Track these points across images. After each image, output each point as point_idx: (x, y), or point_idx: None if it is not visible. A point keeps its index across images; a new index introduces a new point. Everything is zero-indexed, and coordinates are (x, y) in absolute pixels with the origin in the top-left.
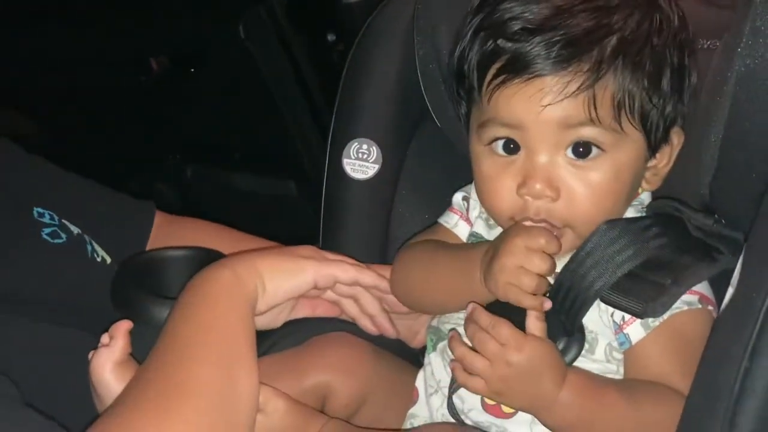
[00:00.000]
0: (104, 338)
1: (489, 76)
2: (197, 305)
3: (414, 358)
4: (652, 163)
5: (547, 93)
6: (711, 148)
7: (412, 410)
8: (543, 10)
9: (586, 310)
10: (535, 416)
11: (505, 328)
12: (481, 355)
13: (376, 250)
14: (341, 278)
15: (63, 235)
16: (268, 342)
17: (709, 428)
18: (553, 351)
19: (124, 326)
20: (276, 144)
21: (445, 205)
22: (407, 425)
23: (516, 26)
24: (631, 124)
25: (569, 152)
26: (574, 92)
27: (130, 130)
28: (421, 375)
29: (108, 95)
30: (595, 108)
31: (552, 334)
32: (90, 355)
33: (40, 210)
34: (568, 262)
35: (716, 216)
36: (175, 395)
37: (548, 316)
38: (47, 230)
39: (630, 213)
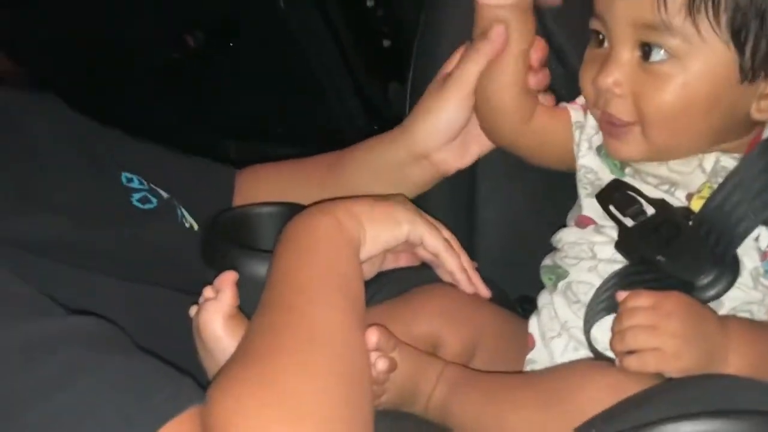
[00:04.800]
0: (208, 292)
1: None
2: (307, 251)
3: (512, 309)
4: None
5: None
6: None
7: (530, 356)
8: None
9: (739, 241)
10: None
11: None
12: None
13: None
14: (426, 243)
15: (153, 200)
16: (367, 293)
17: None
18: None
19: (230, 277)
20: (317, 116)
21: (531, 175)
22: (528, 370)
23: None
24: (715, 32)
25: (639, 51)
26: None
27: (170, 109)
28: (534, 321)
29: (145, 73)
30: (661, 12)
31: (698, 265)
32: (192, 311)
33: (128, 175)
34: (715, 192)
35: None
36: (309, 342)
37: (694, 245)
38: (137, 195)
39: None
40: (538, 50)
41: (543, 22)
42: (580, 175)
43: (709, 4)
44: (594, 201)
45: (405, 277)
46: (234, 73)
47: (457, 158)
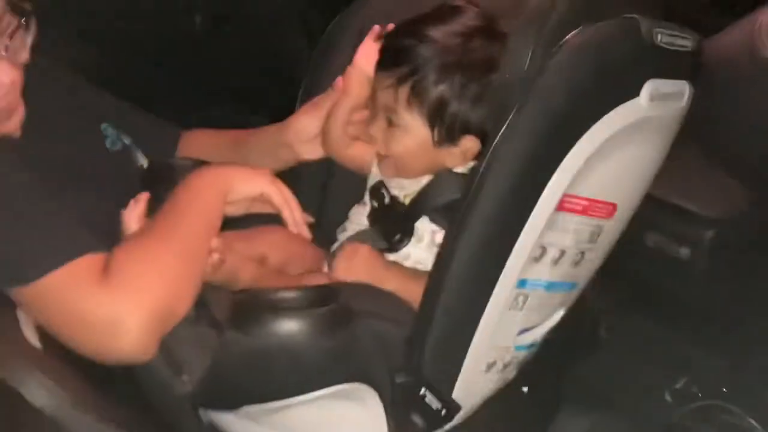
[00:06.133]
0: (131, 202)
1: None
2: (191, 189)
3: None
4: (456, 151)
5: (378, 82)
6: None
7: None
8: (405, 31)
9: (415, 220)
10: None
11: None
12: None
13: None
14: (273, 201)
15: (119, 143)
16: (233, 225)
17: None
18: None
19: (144, 196)
20: (287, 91)
21: None
22: None
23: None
24: (420, 119)
25: (386, 119)
26: (385, 87)
27: (173, 73)
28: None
29: (158, 43)
30: (395, 101)
31: (393, 231)
32: (122, 213)
33: (104, 126)
34: (415, 195)
35: None
36: (172, 234)
37: (395, 221)
38: (109, 140)
39: (460, 169)
40: (362, 113)
41: None
42: (370, 177)
43: (414, 102)
44: (368, 192)
45: (264, 218)
46: (227, 51)
47: (310, 152)
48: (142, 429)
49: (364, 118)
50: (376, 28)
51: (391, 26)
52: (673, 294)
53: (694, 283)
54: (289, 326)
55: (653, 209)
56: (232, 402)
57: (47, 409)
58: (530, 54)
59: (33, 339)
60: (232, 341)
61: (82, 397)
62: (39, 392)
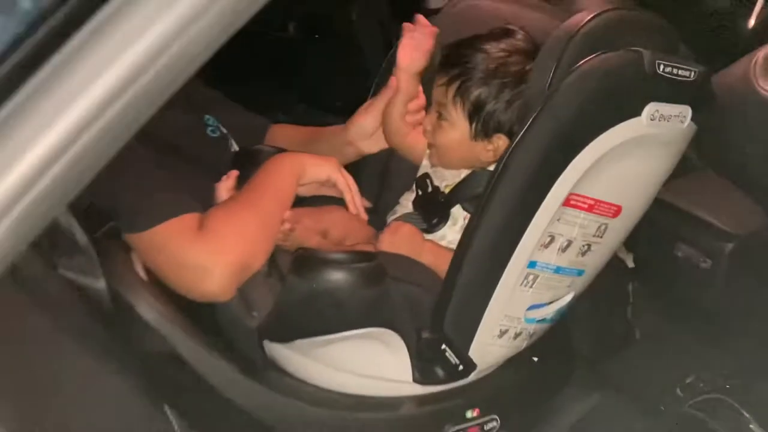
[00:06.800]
0: (224, 177)
1: None
2: (271, 170)
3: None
4: (489, 147)
5: (436, 81)
6: None
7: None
8: (463, 43)
9: (452, 207)
10: (414, 257)
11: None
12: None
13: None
14: (338, 186)
15: (217, 132)
16: (304, 203)
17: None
18: (415, 227)
19: (234, 173)
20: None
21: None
22: None
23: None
24: (462, 114)
25: (437, 114)
26: (439, 85)
27: (268, 72)
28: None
29: (256, 46)
30: (446, 97)
31: (434, 215)
32: (215, 185)
33: (207, 117)
34: (453, 186)
35: None
36: (254, 204)
37: (434, 207)
38: (210, 128)
39: (492, 167)
40: (415, 102)
41: None
42: (421, 168)
43: (458, 100)
44: (415, 181)
45: (329, 199)
46: (313, 57)
47: (370, 147)
48: (219, 350)
49: (417, 107)
50: (406, 25)
51: (420, 17)
52: (692, 299)
53: (711, 291)
54: (336, 275)
55: (683, 222)
56: (288, 335)
57: (152, 321)
58: (551, 73)
59: (142, 274)
60: (292, 285)
61: (177, 318)
62: (147, 308)
